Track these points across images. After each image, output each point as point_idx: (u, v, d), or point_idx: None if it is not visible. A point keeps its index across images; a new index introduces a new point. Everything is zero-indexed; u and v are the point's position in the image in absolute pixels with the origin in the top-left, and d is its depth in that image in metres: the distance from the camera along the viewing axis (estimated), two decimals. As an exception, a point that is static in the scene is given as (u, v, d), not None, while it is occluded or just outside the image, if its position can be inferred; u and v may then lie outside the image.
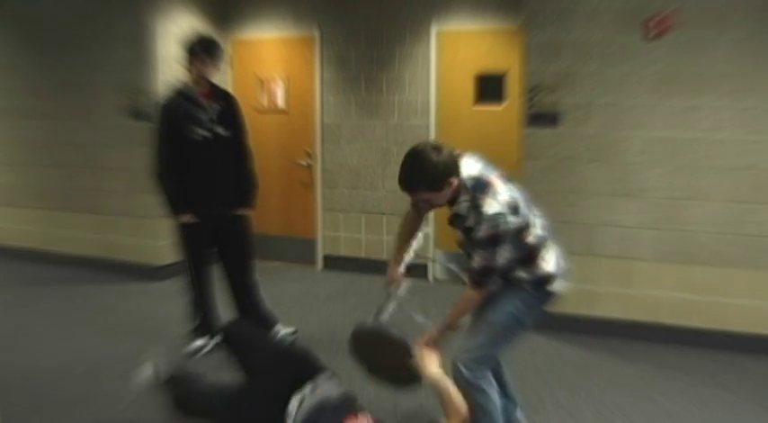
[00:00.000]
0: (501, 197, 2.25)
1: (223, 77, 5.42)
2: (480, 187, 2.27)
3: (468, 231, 2.31)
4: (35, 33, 5.61)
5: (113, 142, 5.37)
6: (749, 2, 3.56)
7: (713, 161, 3.72)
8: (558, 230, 2.58)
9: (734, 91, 3.63)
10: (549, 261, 2.40)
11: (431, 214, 3.81)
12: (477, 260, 2.29)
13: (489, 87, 5.01)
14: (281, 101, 5.70)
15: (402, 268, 2.72)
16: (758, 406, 3.16)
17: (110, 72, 5.27)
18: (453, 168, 2.26)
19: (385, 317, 2.63)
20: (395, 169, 2.30)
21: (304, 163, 5.67)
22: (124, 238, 5.46)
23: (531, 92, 3.99)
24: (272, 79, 5.70)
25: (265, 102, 5.75)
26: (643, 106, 3.80)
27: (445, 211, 2.43)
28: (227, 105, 3.64)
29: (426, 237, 3.64)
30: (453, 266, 4.33)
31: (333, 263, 5.66)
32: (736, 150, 3.67)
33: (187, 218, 3.55)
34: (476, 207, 2.25)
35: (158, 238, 5.15)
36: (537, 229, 2.38)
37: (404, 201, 2.51)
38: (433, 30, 5.07)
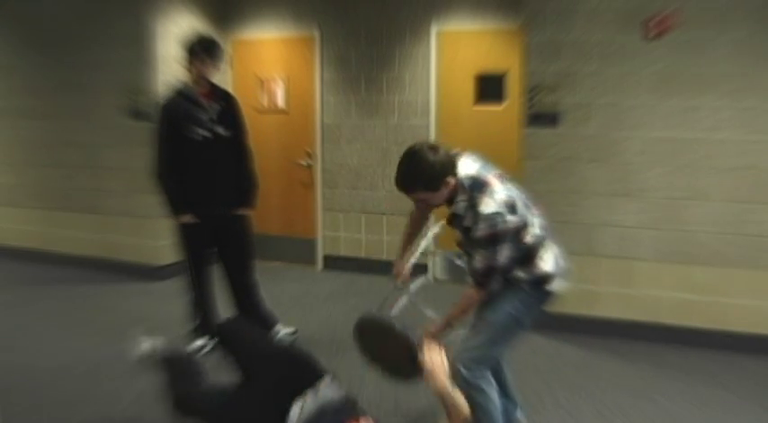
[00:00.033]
0: (498, 196, 2.25)
1: (223, 77, 5.42)
2: (478, 187, 2.27)
3: (466, 231, 2.31)
4: (35, 33, 5.61)
5: (113, 142, 5.37)
6: (749, 2, 3.56)
7: (713, 161, 3.72)
8: (558, 230, 2.58)
9: (734, 91, 3.63)
10: (548, 261, 2.40)
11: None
12: (479, 260, 2.29)
13: (489, 87, 5.01)
14: (281, 101, 5.70)
15: (409, 265, 2.73)
16: (758, 406, 3.16)
17: (110, 72, 5.27)
18: (450, 168, 2.26)
19: (396, 311, 2.64)
20: (395, 169, 2.30)
21: (304, 163, 5.67)
22: (124, 238, 5.46)
23: (531, 92, 3.99)
24: (272, 79, 5.70)
25: (265, 102, 5.75)
26: (643, 106, 3.80)
27: (444, 211, 2.43)
28: (227, 105, 3.64)
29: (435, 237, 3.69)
30: (461, 261, 4.31)
31: (333, 263, 5.66)
32: (736, 150, 3.67)
33: (187, 218, 3.55)
34: (473, 206, 2.25)
35: (158, 238, 5.15)
36: (535, 228, 2.38)
37: (404, 201, 2.51)
38: (433, 30, 5.07)
